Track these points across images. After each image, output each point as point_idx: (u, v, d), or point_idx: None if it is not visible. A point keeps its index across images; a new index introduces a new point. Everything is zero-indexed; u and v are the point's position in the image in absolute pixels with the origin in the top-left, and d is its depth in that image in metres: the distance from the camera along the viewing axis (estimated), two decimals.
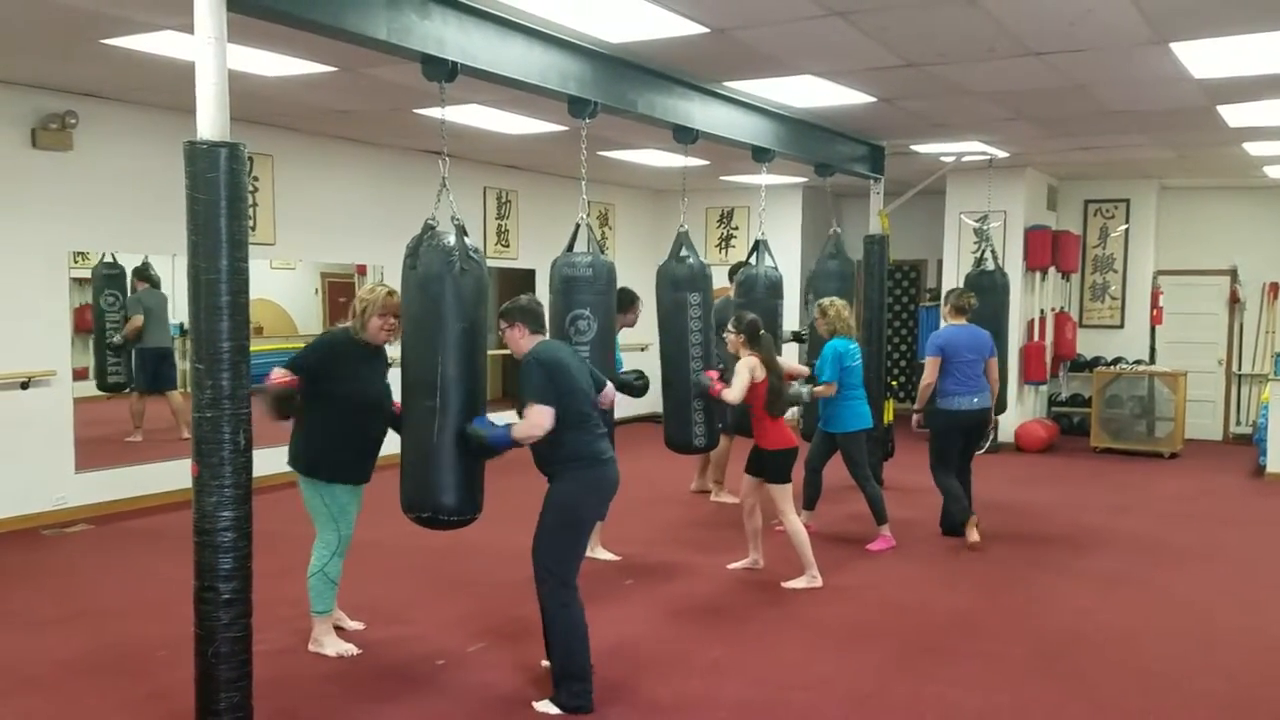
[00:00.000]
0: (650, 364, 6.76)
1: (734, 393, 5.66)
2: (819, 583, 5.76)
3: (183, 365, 8.71)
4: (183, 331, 8.69)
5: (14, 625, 5.03)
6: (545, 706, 4.04)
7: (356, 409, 4.53)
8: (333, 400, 4.48)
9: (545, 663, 4.33)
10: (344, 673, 4.43)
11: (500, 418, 4.19)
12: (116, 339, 8.33)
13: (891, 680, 4.43)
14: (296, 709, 4.03)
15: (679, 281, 6.17)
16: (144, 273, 8.41)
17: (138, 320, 8.30)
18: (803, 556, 5.76)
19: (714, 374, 5.95)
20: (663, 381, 6.28)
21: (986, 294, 8.54)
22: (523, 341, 4.17)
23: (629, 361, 6.97)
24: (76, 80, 6.70)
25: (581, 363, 4.39)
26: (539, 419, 3.97)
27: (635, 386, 5.55)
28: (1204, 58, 5.78)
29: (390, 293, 4.51)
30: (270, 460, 4.48)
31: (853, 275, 7.79)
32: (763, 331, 5.78)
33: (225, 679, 3.53)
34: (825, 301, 6.77)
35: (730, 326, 5.79)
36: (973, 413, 6.76)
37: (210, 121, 3.43)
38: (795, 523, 5.78)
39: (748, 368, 5.65)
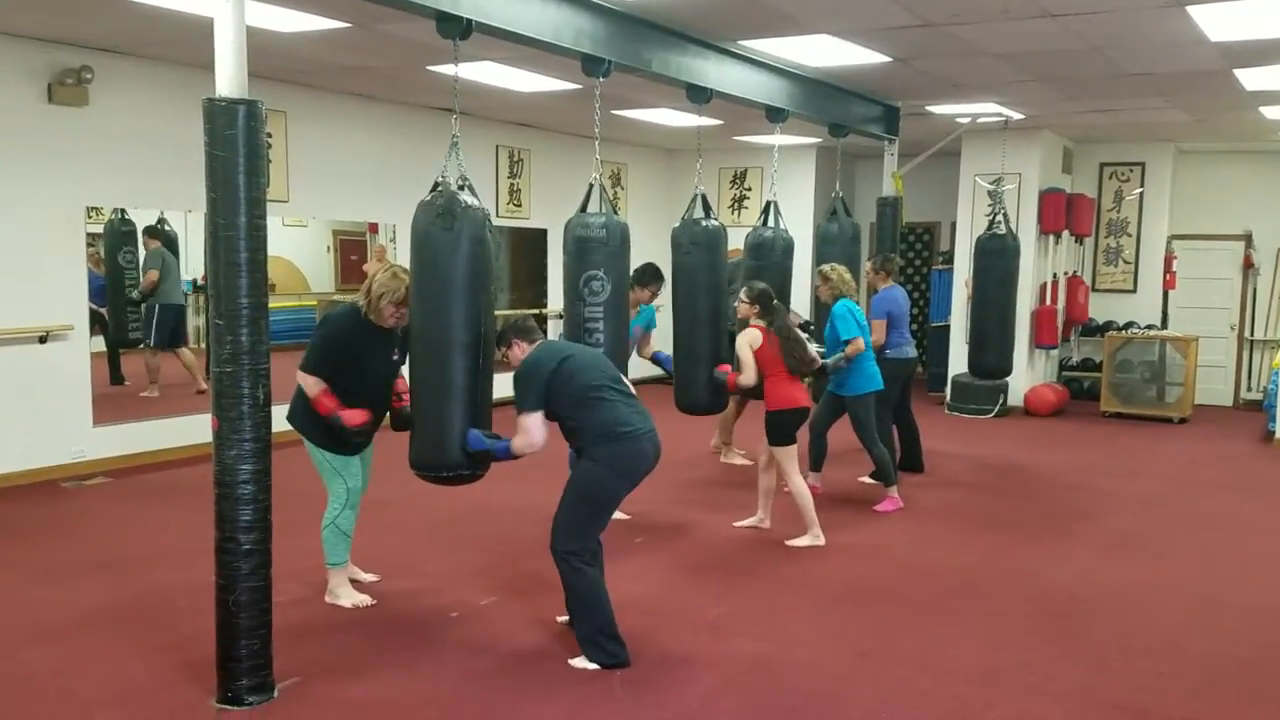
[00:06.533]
0: (664, 324, 6.80)
1: (747, 375, 5.74)
2: (822, 541, 5.83)
3: (195, 321, 8.80)
4: (195, 287, 8.77)
5: (35, 576, 5.13)
6: (581, 662, 4.06)
7: (363, 387, 4.55)
8: (339, 379, 4.49)
9: (561, 618, 4.41)
10: (360, 623, 4.53)
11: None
12: (135, 294, 8.39)
13: (894, 638, 4.50)
14: (314, 657, 4.12)
15: (694, 243, 6.18)
16: (156, 230, 8.46)
17: (153, 274, 8.35)
18: (806, 516, 5.84)
19: (726, 368, 6.05)
20: (674, 344, 6.32)
21: (997, 257, 8.54)
22: (523, 354, 4.17)
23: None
24: (92, 35, 6.70)
25: (584, 350, 4.36)
26: (528, 430, 4.01)
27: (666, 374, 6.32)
28: (1221, 20, 5.74)
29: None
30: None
31: (857, 238, 7.81)
32: (775, 301, 5.82)
33: (246, 627, 3.63)
34: (826, 268, 6.82)
35: (743, 295, 5.85)
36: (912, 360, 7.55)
37: (229, 79, 3.45)
38: (799, 483, 5.84)
39: (747, 342, 5.74)
